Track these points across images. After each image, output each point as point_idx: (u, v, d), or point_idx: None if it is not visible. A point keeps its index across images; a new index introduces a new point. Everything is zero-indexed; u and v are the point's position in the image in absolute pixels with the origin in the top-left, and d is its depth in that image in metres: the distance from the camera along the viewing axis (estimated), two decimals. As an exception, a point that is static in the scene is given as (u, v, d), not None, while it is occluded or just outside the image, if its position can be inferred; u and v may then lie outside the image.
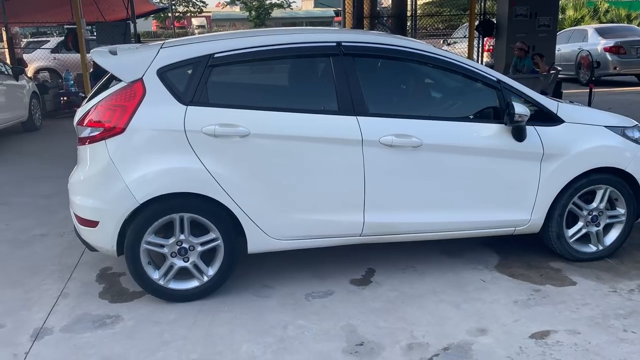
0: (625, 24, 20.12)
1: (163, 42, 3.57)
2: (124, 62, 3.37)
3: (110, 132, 3.21)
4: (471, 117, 3.62)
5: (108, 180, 3.22)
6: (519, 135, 3.51)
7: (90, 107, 3.32)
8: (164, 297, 3.41)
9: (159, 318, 3.24)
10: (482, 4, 13.25)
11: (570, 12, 27.45)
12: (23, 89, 9.53)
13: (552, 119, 3.65)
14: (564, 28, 19.00)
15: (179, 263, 3.36)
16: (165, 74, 3.28)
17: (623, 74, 14.15)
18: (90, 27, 12.55)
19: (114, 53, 3.48)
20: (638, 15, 26.95)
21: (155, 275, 3.36)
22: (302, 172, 3.36)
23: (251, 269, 3.83)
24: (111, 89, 3.32)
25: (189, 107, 3.25)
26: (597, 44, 14.19)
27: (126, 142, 3.21)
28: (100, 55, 3.43)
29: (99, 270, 3.93)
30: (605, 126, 3.76)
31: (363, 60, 3.49)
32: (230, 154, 3.26)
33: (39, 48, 16.44)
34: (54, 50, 16.51)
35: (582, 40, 14.91)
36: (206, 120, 3.23)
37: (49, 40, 17.72)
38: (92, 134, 3.25)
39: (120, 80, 3.30)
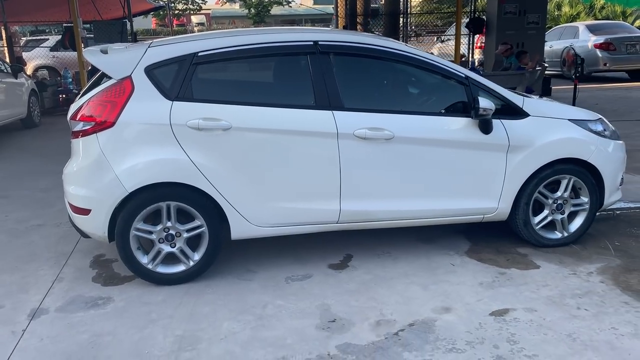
0: (616, 21, 20.29)
1: (151, 42, 3.80)
2: (114, 60, 3.61)
3: (101, 126, 3.44)
4: (441, 111, 3.85)
5: (99, 171, 3.46)
6: (485, 128, 3.73)
7: (82, 103, 3.55)
8: (153, 280, 3.65)
9: (147, 299, 3.48)
10: (473, 2, 13.44)
11: (566, 9, 27.61)
12: (22, 87, 9.76)
13: (518, 113, 3.87)
14: (560, 24, 19.21)
15: (166, 248, 3.60)
16: (152, 72, 3.51)
17: (613, 70, 14.36)
18: (87, 25, 12.77)
19: (104, 52, 3.71)
20: (633, 11, 27.12)
21: (144, 259, 3.59)
22: (282, 163, 3.59)
23: (236, 254, 4.07)
24: (102, 85, 3.55)
25: (174, 102, 3.48)
26: (587, 41, 14.40)
27: (116, 135, 3.44)
28: (92, 54, 3.66)
29: (92, 257, 4.17)
30: (569, 119, 3.99)
31: (338, 58, 3.72)
32: (213, 146, 3.50)
33: (38, 46, 16.65)
34: (53, 49, 16.73)
35: (573, 37, 15.12)
36: (191, 114, 3.46)
37: (47, 39, 17.93)
38: (84, 128, 3.48)
39: (110, 78, 3.53)
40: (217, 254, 3.70)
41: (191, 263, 3.65)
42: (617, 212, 4.76)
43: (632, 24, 20.82)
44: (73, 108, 3.64)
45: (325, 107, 3.60)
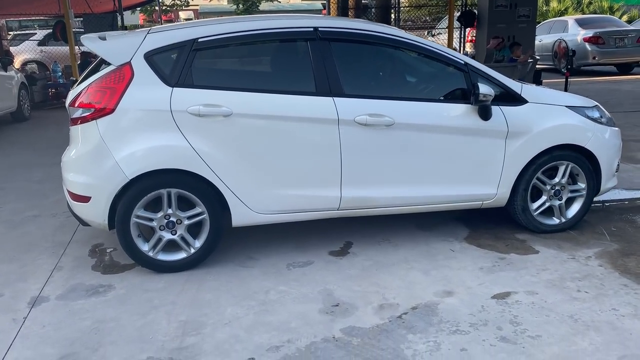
0: (605, 15, 20.48)
1: (150, 28, 3.77)
2: (113, 46, 3.58)
3: (100, 112, 3.41)
4: (441, 98, 3.87)
5: (99, 157, 3.43)
6: (484, 114, 3.75)
7: (81, 90, 3.52)
8: (154, 268, 3.63)
9: (148, 287, 3.46)
10: (464, -5, 13.50)
11: (554, 4, 27.79)
12: (12, 80, 9.65)
13: (516, 100, 3.90)
14: (548, 19, 19.33)
15: (167, 236, 3.58)
16: (152, 58, 3.49)
17: (602, 63, 14.49)
18: (78, 19, 12.64)
19: (103, 39, 3.67)
20: (620, 7, 27.39)
21: (144, 247, 3.58)
22: (283, 149, 3.58)
23: (236, 243, 4.06)
24: (101, 72, 3.52)
25: (174, 88, 3.46)
26: (577, 35, 14.51)
27: (116, 122, 3.42)
28: (90, 41, 3.63)
29: (91, 246, 4.14)
30: (566, 106, 4.02)
31: (339, 45, 3.72)
32: (214, 132, 3.48)
33: (27, 40, 16.46)
34: (41, 43, 16.55)
35: (562, 31, 15.22)
36: (191, 100, 3.45)
37: (35, 33, 17.74)
38: (83, 115, 3.45)
39: (109, 64, 3.51)
40: (218, 241, 3.69)
41: (192, 250, 3.64)
42: (608, 203, 4.79)
43: (619, 18, 20.98)
44: (71, 95, 3.61)
45: (326, 94, 3.60)
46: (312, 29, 3.67)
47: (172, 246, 3.63)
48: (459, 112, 3.78)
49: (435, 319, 3.01)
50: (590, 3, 28.39)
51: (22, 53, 16.48)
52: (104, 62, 3.60)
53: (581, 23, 15.04)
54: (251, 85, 3.62)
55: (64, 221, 4.66)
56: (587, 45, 14.19)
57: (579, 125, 3.99)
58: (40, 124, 10.00)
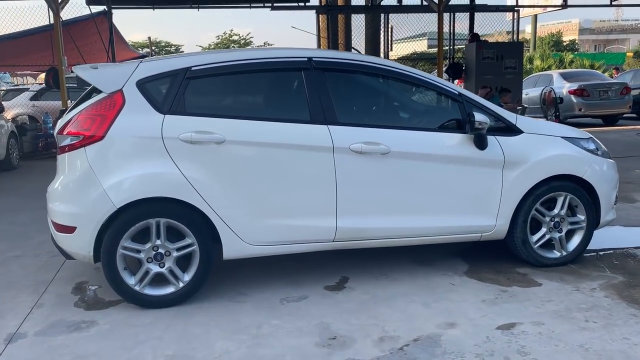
0: (587, 69, 21.11)
1: (142, 59, 3.75)
2: (105, 74, 3.54)
3: (89, 139, 3.32)
4: (436, 127, 3.83)
5: (86, 186, 3.32)
6: (480, 143, 3.71)
7: (70, 118, 3.44)
8: (140, 303, 3.45)
9: (134, 322, 3.27)
10: (451, 48, 13.84)
11: (537, 62, 28.73)
12: (1, 129, 9.58)
13: (511, 130, 3.87)
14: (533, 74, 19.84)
15: (155, 268, 3.42)
16: (144, 85, 3.44)
17: (588, 115, 14.74)
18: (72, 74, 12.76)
19: (95, 68, 3.64)
20: (600, 65, 28.33)
21: (131, 280, 3.41)
22: (277, 178, 3.49)
23: (227, 278, 3.90)
24: (91, 100, 3.46)
25: (166, 115, 3.39)
26: (562, 87, 14.82)
27: (105, 149, 3.32)
28: (82, 69, 3.60)
29: (74, 284, 3.94)
30: (562, 137, 4.00)
31: (333, 74, 3.70)
32: (206, 160, 3.40)
33: (19, 95, 16.54)
34: (34, 98, 16.64)
35: (548, 84, 15.55)
36: (183, 127, 3.38)
37: (28, 89, 17.85)
38: (72, 142, 3.36)
39: (100, 92, 3.45)
40: (209, 274, 3.53)
41: (181, 284, 3.46)
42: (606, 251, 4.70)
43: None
44: (60, 123, 3.53)
45: (321, 122, 3.55)
46: (306, 59, 3.66)
47: (159, 280, 3.46)
48: (455, 142, 3.73)
49: (439, 350, 2.84)
50: (571, 61, 29.40)
51: (14, 107, 16.52)
52: (95, 91, 3.54)
53: (565, 77, 15.41)
54: (244, 113, 3.58)
55: (48, 261, 4.47)
56: (573, 98, 14.47)
57: (575, 156, 3.96)
58: (28, 172, 9.86)
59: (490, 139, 3.76)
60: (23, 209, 6.58)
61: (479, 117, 3.60)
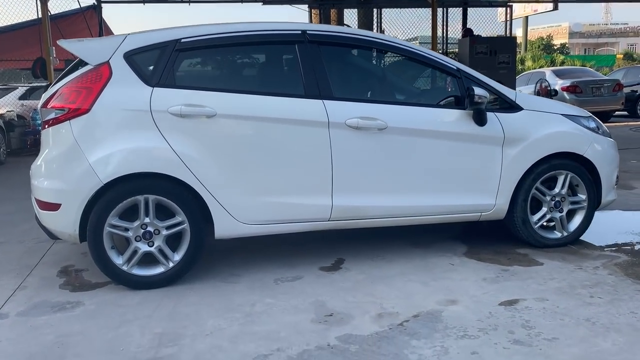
0: (579, 67, 21.17)
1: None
2: (91, 46, 3.41)
3: (75, 113, 3.19)
4: (435, 103, 3.73)
5: (71, 160, 3.18)
6: (479, 119, 3.61)
7: (55, 91, 3.31)
8: (128, 284, 3.31)
9: (122, 302, 3.13)
10: (444, 50, 13.80)
11: (529, 63, 28.86)
12: (-12, 123, 9.39)
13: (511, 107, 3.77)
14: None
15: (144, 247, 3.28)
16: (131, 58, 3.31)
17: (581, 112, 14.72)
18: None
19: (80, 41, 3.51)
20: (591, 65, 28.46)
21: (118, 260, 3.27)
22: (270, 154, 3.37)
23: (218, 261, 3.76)
24: (77, 72, 3.32)
25: (155, 88, 3.26)
26: (555, 84, 14.80)
27: (91, 123, 3.19)
28: (68, 42, 3.46)
29: (60, 267, 3.80)
30: (562, 114, 3.90)
31: (328, 48, 3.59)
32: (196, 134, 3.27)
33: (7, 94, 16.32)
34: (22, 97, 16.41)
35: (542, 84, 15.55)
36: (172, 100, 3.25)
37: (17, 88, 17.62)
38: (56, 116, 3.22)
39: (86, 65, 3.32)
40: (200, 254, 3.40)
41: (171, 264, 3.33)
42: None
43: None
44: (45, 97, 3.40)
45: (315, 97, 3.43)
46: (300, 32, 3.54)
47: (148, 260, 3.32)
48: (453, 118, 3.63)
49: (440, 325, 2.73)
50: (563, 62, 29.53)
51: (2, 107, 16.29)
52: (81, 64, 3.40)
53: (558, 74, 15.41)
54: (237, 87, 3.45)
55: (33, 246, 4.31)
56: (566, 94, 14.43)
57: (576, 133, 3.86)
58: (15, 167, 9.65)
59: (490, 115, 3.66)
60: (8, 199, 6.41)
61: (478, 91, 3.50)
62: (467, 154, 3.64)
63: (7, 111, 15.13)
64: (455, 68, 3.73)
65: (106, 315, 2.95)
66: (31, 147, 11.77)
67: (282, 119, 3.35)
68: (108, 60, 3.28)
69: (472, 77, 3.74)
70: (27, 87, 16.45)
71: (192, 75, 3.46)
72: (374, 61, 3.88)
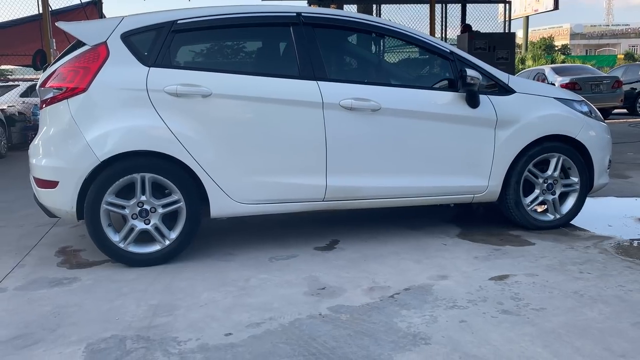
0: (579, 64, 21.21)
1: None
2: (89, 27, 3.47)
3: (72, 92, 3.24)
4: (428, 85, 3.77)
5: (69, 139, 3.23)
6: (472, 101, 3.65)
7: (53, 71, 3.36)
8: (124, 261, 3.35)
9: (118, 278, 3.18)
10: (443, 41, 13.82)
11: (529, 63, 28.91)
12: (-11, 117, 9.46)
13: (504, 89, 3.81)
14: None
15: (140, 225, 3.32)
16: (128, 38, 3.36)
17: (580, 109, 14.76)
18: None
19: (79, 23, 3.56)
20: (592, 65, 28.49)
21: (115, 237, 3.31)
22: (264, 133, 3.42)
23: (214, 241, 3.81)
24: (74, 52, 3.38)
25: (151, 68, 3.31)
26: (554, 81, 14.82)
27: (88, 101, 3.24)
28: (65, 24, 3.51)
29: (58, 247, 3.85)
30: (554, 97, 3.95)
31: (322, 31, 3.63)
32: (192, 113, 3.32)
33: (9, 91, 16.39)
34: (23, 94, 16.49)
35: (540, 78, 15.60)
36: (169, 80, 3.30)
37: (18, 85, 17.70)
38: (54, 95, 3.27)
39: (84, 45, 3.37)
40: (195, 232, 3.44)
41: (167, 242, 3.37)
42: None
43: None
44: (43, 77, 3.45)
45: (310, 78, 3.48)
46: (295, 14, 3.59)
47: (145, 238, 3.37)
48: (446, 100, 3.67)
49: (430, 297, 2.77)
50: (563, 62, 29.56)
51: (3, 104, 16.36)
52: (79, 45, 3.46)
53: (557, 71, 15.44)
54: (232, 67, 3.50)
55: (32, 230, 4.37)
56: (565, 91, 14.49)
57: (568, 116, 3.91)
58: (15, 161, 9.71)
59: (483, 98, 3.70)
60: (8, 188, 6.48)
61: (470, 72, 3.54)
62: (459, 135, 3.69)
63: (9, 106, 15.21)
64: (448, 51, 3.77)
65: (102, 289, 3.00)
66: (32, 141, 11.84)
67: (276, 99, 3.40)
68: (105, 41, 3.33)
69: (465, 59, 3.79)
70: (28, 85, 16.54)
71: (188, 56, 3.52)
72: (368, 44, 3.93)
